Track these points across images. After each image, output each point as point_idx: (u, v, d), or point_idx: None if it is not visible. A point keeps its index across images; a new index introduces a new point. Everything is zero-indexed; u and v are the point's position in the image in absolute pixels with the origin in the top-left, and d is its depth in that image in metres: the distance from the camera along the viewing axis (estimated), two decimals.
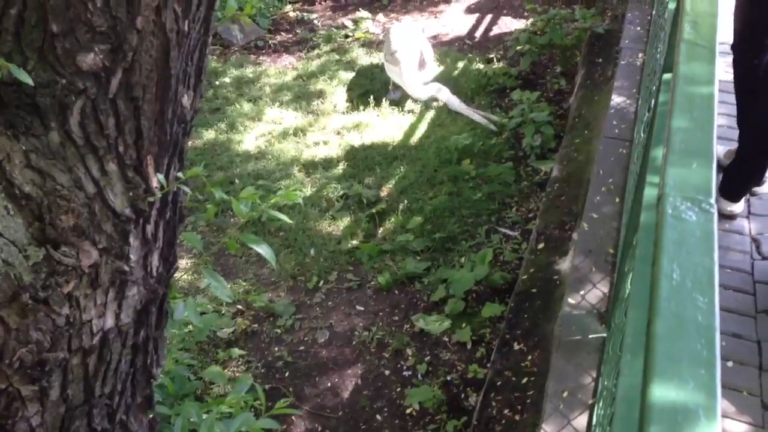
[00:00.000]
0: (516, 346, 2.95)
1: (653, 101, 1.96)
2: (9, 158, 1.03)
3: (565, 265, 3.15)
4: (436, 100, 5.12)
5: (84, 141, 1.10)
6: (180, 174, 1.29)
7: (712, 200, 1.05)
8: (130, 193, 1.18)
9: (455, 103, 5.00)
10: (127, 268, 1.21)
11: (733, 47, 3.04)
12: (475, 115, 4.93)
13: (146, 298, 1.30)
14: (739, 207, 3.00)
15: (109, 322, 1.23)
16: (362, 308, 3.65)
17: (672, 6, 2.16)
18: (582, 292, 2.61)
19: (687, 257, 0.97)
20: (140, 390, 1.43)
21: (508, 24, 6.26)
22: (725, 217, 2.98)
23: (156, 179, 1.22)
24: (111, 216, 1.16)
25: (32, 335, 1.08)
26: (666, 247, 0.98)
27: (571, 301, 2.58)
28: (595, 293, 2.61)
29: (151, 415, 1.58)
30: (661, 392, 0.85)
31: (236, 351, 3.39)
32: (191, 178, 1.38)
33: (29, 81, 1.00)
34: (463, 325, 3.43)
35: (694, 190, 1.05)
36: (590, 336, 2.36)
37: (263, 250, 1.66)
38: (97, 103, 1.10)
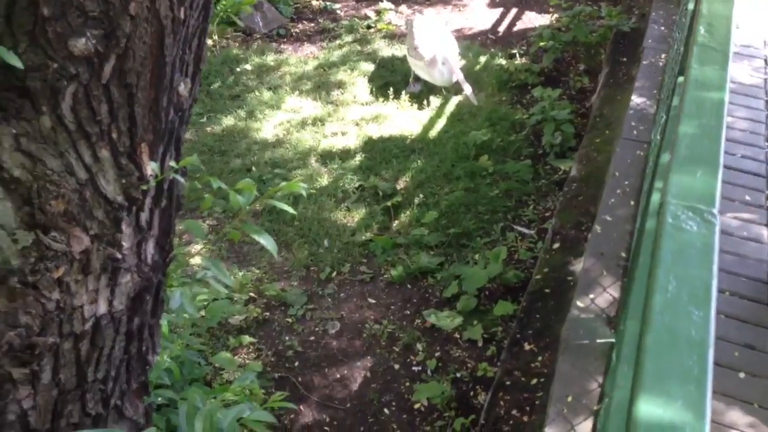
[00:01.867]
0: (527, 347, 2.92)
1: (669, 104, 1.91)
2: None
3: (580, 266, 3.10)
4: (459, 85, 4.98)
5: (76, 126, 1.09)
6: (173, 163, 1.28)
7: (715, 210, 1.01)
8: (123, 181, 1.17)
9: (458, 70, 4.87)
10: (119, 255, 1.20)
11: None
12: (467, 88, 4.82)
13: (140, 285, 1.29)
14: None
15: (102, 308, 1.22)
16: (374, 301, 3.64)
17: (691, 7, 2.10)
18: (591, 296, 2.56)
19: (684, 269, 0.93)
20: (135, 376, 1.43)
21: (532, 19, 6.18)
22: None
23: (150, 167, 1.21)
24: (103, 203, 1.15)
25: (21, 319, 1.08)
26: (663, 258, 0.95)
27: (579, 303, 2.54)
28: (605, 297, 2.56)
29: (147, 402, 1.58)
30: (648, 409, 0.82)
31: (247, 338, 3.39)
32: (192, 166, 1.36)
33: (18, 64, 1.00)
34: (475, 322, 3.40)
35: (697, 199, 1.01)
36: (598, 341, 2.32)
37: (265, 240, 1.64)
38: (90, 88, 1.09)
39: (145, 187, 1.20)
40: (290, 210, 1.72)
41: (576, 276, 3.06)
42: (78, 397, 1.25)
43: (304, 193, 1.70)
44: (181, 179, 1.31)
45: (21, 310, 1.06)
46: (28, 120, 1.05)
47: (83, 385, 1.25)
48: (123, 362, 1.33)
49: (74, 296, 1.14)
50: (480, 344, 3.32)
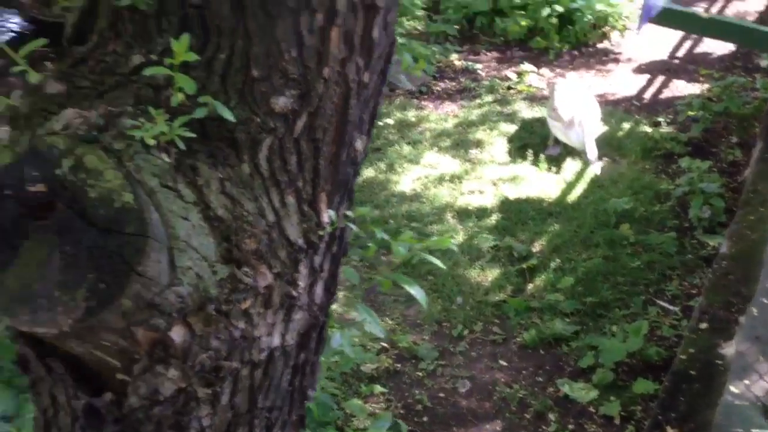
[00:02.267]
0: (669, 430, 2.77)
1: None
2: (208, 184, 1.17)
3: (730, 349, 2.93)
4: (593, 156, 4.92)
5: (269, 174, 1.22)
6: (348, 212, 1.38)
7: None
8: (304, 225, 1.28)
9: (589, 135, 4.83)
10: (295, 294, 1.31)
11: None
12: (593, 156, 4.78)
13: (309, 323, 1.39)
14: None
15: (276, 341, 1.33)
16: (505, 363, 3.60)
17: None
18: (746, 382, 2.41)
19: None
20: (296, 409, 1.52)
21: (680, 88, 5.99)
22: None
23: (327, 215, 1.32)
24: (286, 244, 1.26)
25: (212, 343, 1.19)
26: None
27: (733, 389, 2.39)
28: (762, 385, 2.40)
29: None
30: None
31: (378, 387, 3.44)
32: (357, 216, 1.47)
33: (231, 117, 1.14)
34: (612, 398, 3.27)
35: None
36: (753, 430, 2.17)
37: (416, 291, 1.72)
38: (284, 141, 1.22)
39: (322, 233, 1.31)
40: (441, 265, 1.78)
41: (726, 360, 2.89)
42: (247, 421, 1.35)
43: (455, 249, 1.76)
44: (353, 227, 1.41)
45: (213, 335, 1.17)
46: (232, 167, 1.19)
47: (253, 411, 1.34)
48: (288, 393, 1.43)
49: (255, 327, 1.25)
50: (617, 422, 3.18)
